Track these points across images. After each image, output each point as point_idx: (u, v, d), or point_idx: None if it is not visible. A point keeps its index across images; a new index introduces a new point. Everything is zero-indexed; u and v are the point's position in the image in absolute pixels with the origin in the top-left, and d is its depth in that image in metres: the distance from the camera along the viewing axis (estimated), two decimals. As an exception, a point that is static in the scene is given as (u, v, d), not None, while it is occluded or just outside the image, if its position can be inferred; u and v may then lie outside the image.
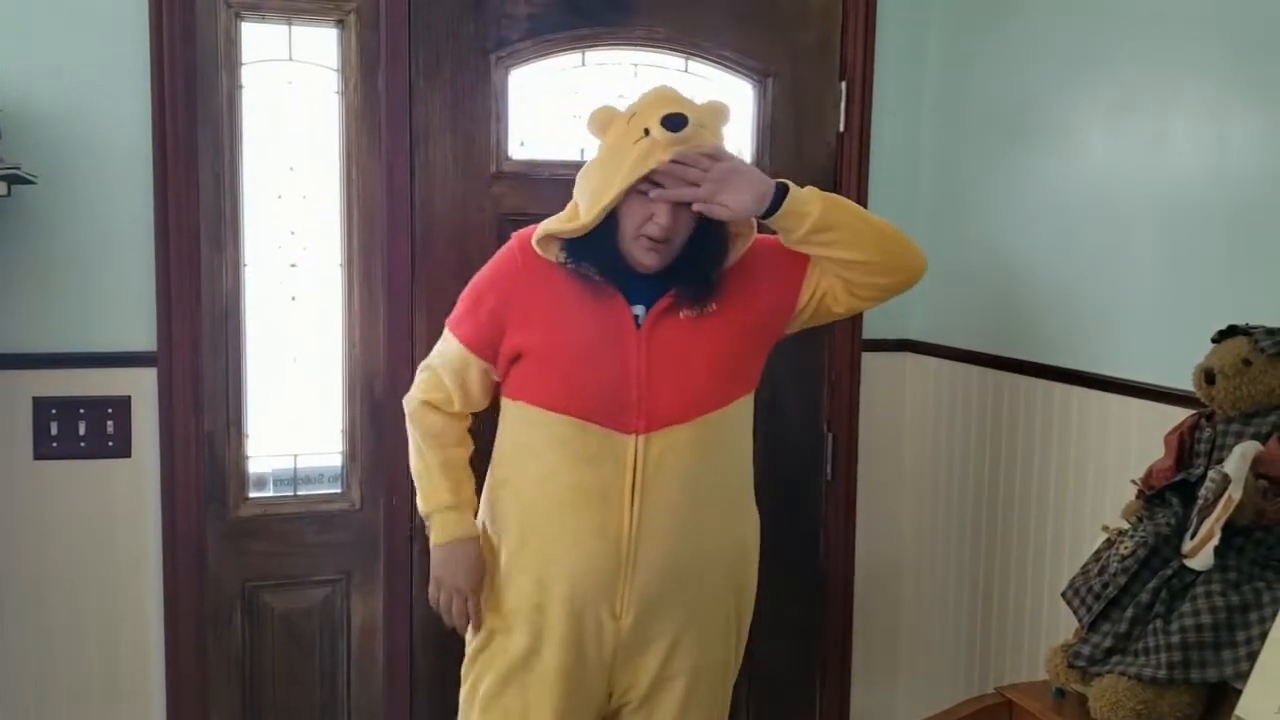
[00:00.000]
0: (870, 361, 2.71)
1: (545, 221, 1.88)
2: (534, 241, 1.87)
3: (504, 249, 1.95)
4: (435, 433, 1.97)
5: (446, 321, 1.98)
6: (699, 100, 1.89)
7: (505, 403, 1.95)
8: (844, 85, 2.63)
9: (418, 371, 2.01)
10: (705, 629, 1.97)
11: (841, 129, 2.64)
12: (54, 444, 2.24)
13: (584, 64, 2.49)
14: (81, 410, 2.25)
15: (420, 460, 1.98)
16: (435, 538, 1.96)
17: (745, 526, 2.04)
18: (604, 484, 1.84)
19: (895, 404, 2.76)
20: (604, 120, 1.86)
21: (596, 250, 1.82)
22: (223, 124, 2.29)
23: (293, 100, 2.36)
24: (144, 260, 2.25)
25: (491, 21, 2.40)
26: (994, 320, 2.48)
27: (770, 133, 2.60)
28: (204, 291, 2.30)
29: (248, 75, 2.31)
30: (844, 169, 2.64)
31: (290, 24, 2.34)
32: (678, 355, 1.86)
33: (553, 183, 2.39)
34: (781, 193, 1.81)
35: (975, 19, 2.54)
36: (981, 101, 2.52)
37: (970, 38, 2.56)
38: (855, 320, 2.66)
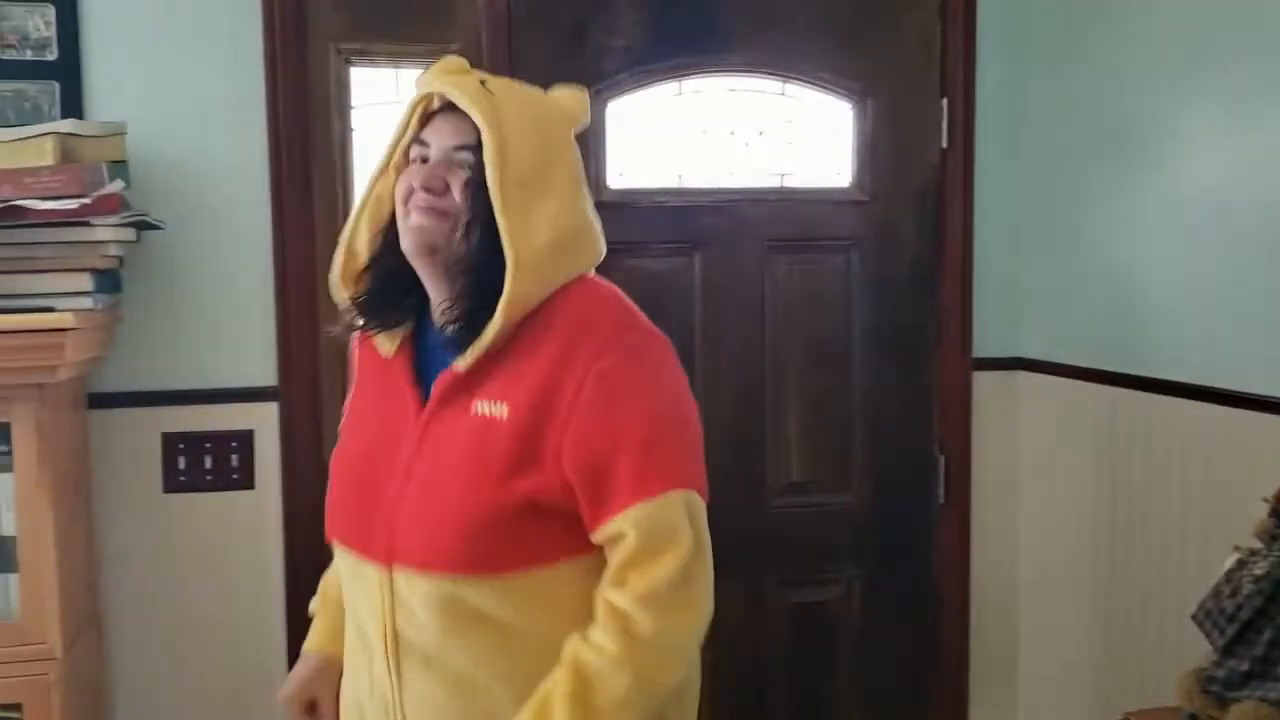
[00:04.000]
0: (982, 381, 2.67)
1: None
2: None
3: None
4: None
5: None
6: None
7: None
8: (945, 102, 2.61)
9: None
10: None
11: (945, 145, 2.62)
12: (182, 477, 2.33)
13: (680, 92, 2.52)
14: (208, 444, 2.34)
15: None
16: None
17: None
18: (365, 630, 1.36)
19: (1009, 424, 2.70)
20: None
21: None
22: (335, 166, 2.37)
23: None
24: (264, 300, 2.33)
25: (590, 56, 2.45)
26: (1109, 336, 2.42)
27: (870, 153, 2.60)
28: (322, 328, 2.38)
29: (358, 118, 2.39)
30: (948, 186, 2.62)
31: (397, 67, 2.41)
32: (442, 464, 1.30)
33: (651, 210, 2.42)
34: None
35: (1077, 30, 2.50)
36: (1087, 113, 2.47)
37: (1073, 49, 2.52)
38: (965, 339, 2.63)
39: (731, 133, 2.54)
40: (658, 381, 1.30)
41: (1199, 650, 1.71)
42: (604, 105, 2.47)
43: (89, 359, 2.12)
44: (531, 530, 1.26)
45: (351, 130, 2.38)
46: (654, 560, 1.22)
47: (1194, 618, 1.67)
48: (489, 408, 1.26)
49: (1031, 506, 2.70)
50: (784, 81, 2.55)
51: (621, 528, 1.23)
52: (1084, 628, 2.52)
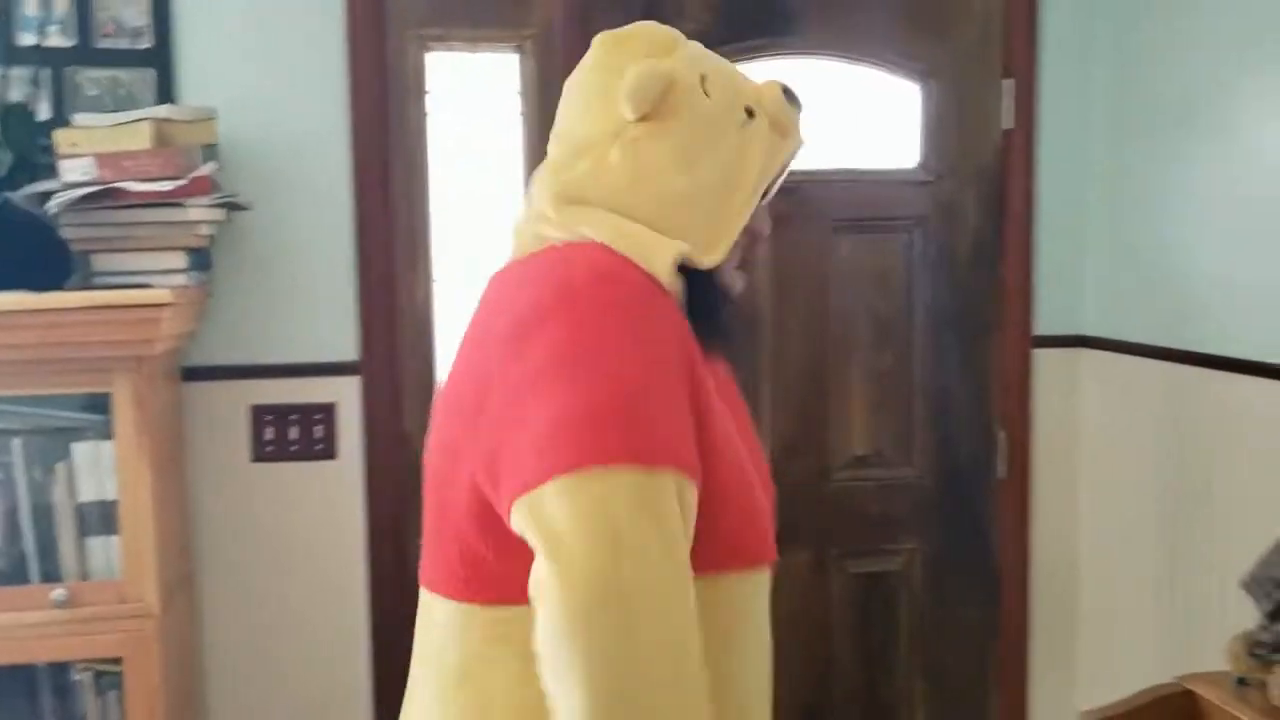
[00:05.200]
0: (1042, 358, 2.70)
1: (654, 245, 1.14)
2: (665, 277, 1.13)
3: (631, 285, 1.11)
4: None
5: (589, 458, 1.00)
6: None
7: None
8: (1009, 82, 2.63)
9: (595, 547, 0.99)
10: None
11: (1007, 126, 2.64)
12: (269, 447, 2.44)
13: (752, 71, 2.57)
14: (293, 416, 2.45)
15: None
16: None
17: None
18: (764, 636, 1.23)
19: (1070, 401, 2.73)
20: (665, 85, 1.18)
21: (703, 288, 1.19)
22: (414, 148, 2.46)
23: (478, 122, 2.51)
24: (346, 277, 2.44)
25: (660, 39, 2.51)
26: (1170, 313, 2.44)
27: (935, 133, 2.63)
28: (400, 305, 2.48)
29: (435, 101, 2.48)
30: (1011, 166, 2.65)
31: (474, 51, 2.50)
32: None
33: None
34: None
35: (1141, 9, 2.51)
36: (1151, 93, 2.48)
37: (1137, 29, 2.53)
38: (1026, 317, 2.66)
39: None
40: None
41: (1253, 618, 1.74)
42: (672, 88, 2.53)
43: (182, 334, 2.25)
44: None
45: (426, 115, 2.47)
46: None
47: (1243, 584, 1.70)
48: None
49: (1092, 481, 2.72)
50: (850, 63, 2.60)
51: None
52: (1143, 600, 2.54)
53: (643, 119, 1.17)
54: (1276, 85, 2.11)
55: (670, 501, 1.01)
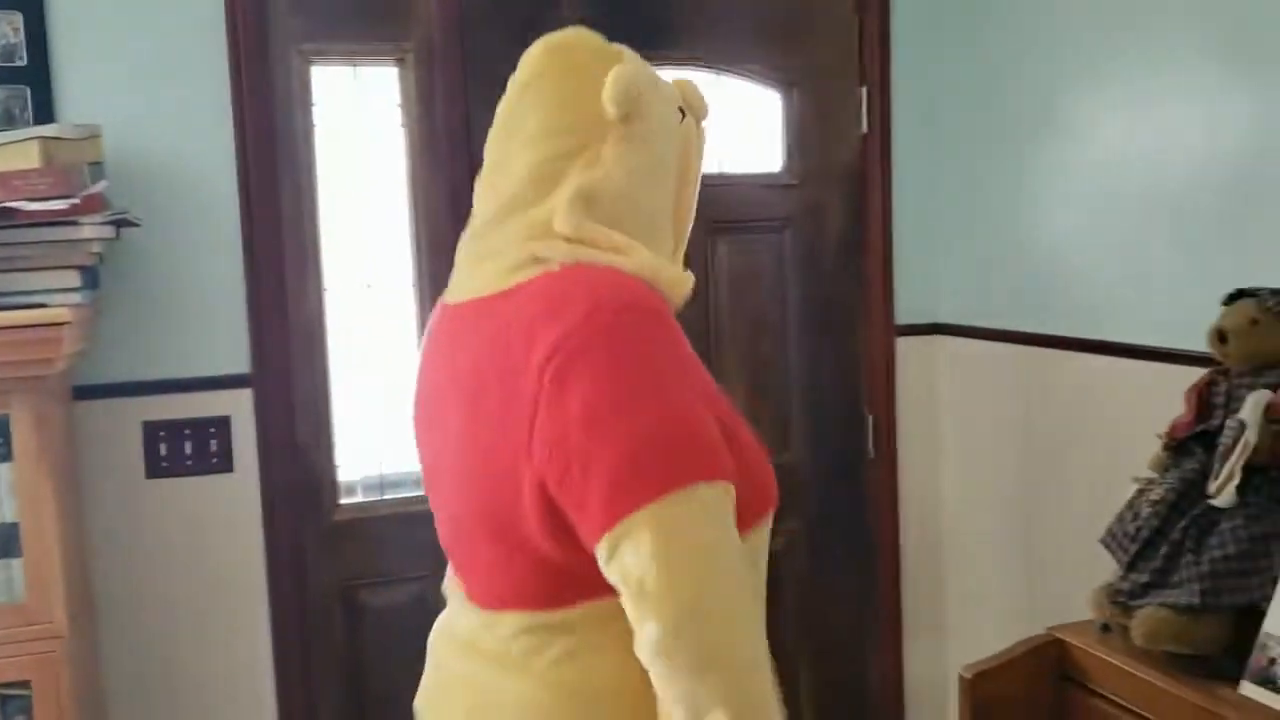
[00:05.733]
0: (903, 346, 2.91)
1: (657, 267, 1.23)
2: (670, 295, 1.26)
3: (650, 307, 1.18)
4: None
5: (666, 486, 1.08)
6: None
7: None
8: (864, 90, 2.83)
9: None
10: None
11: (864, 131, 2.84)
12: (164, 463, 2.44)
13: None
14: (187, 431, 2.45)
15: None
16: None
17: None
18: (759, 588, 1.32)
19: (930, 384, 2.95)
20: (641, 87, 1.25)
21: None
22: (299, 161, 2.49)
23: (361, 135, 2.56)
24: (236, 291, 2.45)
25: (538, 52, 2.60)
26: (1018, 300, 2.67)
27: (798, 139, 2.80)
28: (291, 316, 2.50)
29: (319, 114, 2.51)
30: (868, 169, 2.85)
31: (355, 65, 2.54)
32: None
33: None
34: None
35: (984, 19, 2.73)
36: (995, 98, 2.71)
37: (981, 39, 2.75)
38: (888, 308, 2.86)
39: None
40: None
41: (1108, 572, 1.95)
42: (551, 99, 2.63)
43: (75, 352, 2.23)
44: None
45: (313, 126, 2.50)
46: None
47: (1102, 541, 1.90)
48: None
49: (953, 456, 2.95)
50: (719, 74, 2.74)
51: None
52: (1004, 561, 2.77)
53: (624, 120, 1.22)
54: (1109, 91, 2.35)
55: (730, 507, 1.11)
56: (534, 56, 1.30)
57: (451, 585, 1.41)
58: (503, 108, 1.32)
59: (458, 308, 1.28)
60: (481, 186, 1.33)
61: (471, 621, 1.29)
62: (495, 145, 1.31)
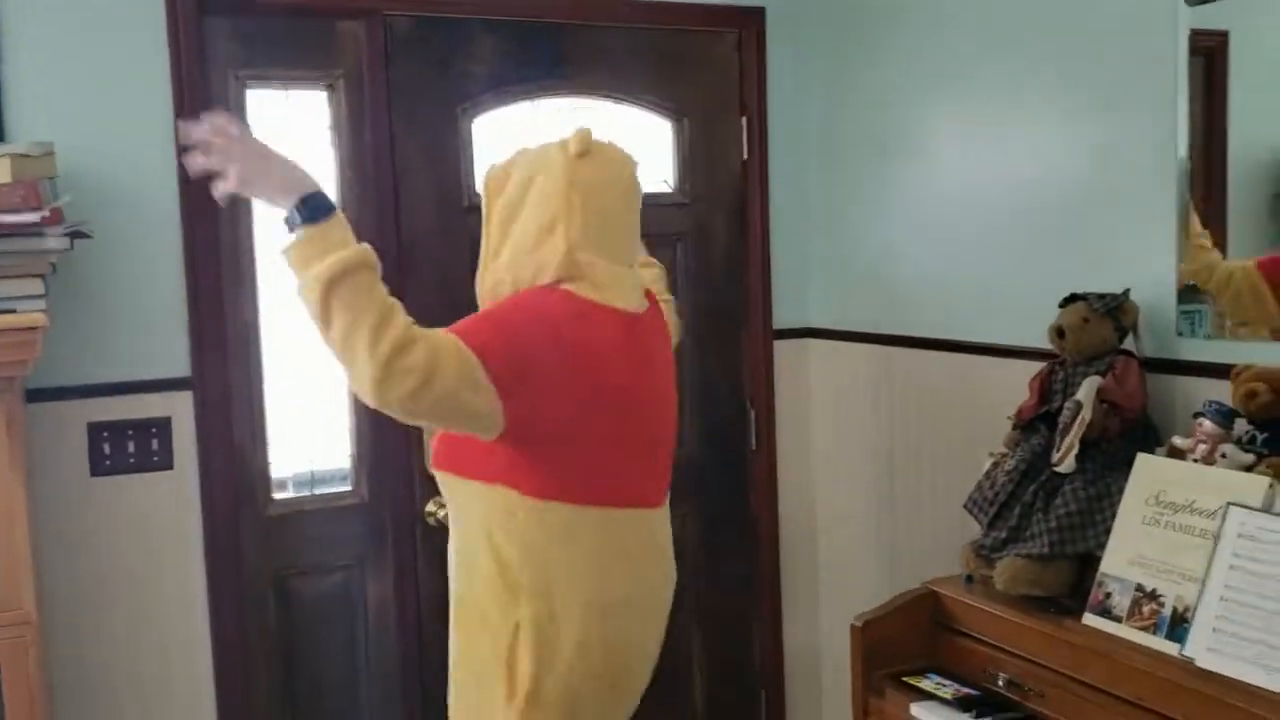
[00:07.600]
0: (780, 348, 3.27)
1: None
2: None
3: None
4: None
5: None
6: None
7: None
8: (744, 121, 3.17)
9: None
10: None
11: (745, 157, 3.18)
12: (107, 462, 2.57)
13: (534, 108, 2.96)
14: (129, 431, 2.58)
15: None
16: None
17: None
18: None
19: (803, 382, 3.31)
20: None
21: None
22: (237, 177, 2.65)
23: (294, 153, 2.73)
24: (177, 298, 2.60)
25: (456, 79, 2.85)
26: (878, 306, 3.04)
27: (689, 163, 3.13)
28: (228, 322, 2.67)
29: (257, 134, 2.67)
30: (749, 191, 3.19)
31: (288, 89, 2.73)
32: None
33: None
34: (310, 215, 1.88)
35: (847, 58, 3.10)
36: (856, 127, 3.08)
37: (844, 74, 3.12)
38: (766, 312, 3.21)
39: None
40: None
41: (968, 534, 2.32)
42: (470, 121, 2.87)
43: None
44: None
45: (249, 146, 2.67)
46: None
47: (965, 506, 2.28)
48: None
49: (823, 446, 3.31)
50: (616, 103, 3.04)
51: None
52: (870, 541, 3.14)
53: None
54: (954, 120, 2.74)
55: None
56: (629, 168, 2.19)
57: (619, 504, 1.98)
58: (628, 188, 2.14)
59: (639, 315, 2.03)
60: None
61: (663, 518, 2.09)
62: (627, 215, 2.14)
